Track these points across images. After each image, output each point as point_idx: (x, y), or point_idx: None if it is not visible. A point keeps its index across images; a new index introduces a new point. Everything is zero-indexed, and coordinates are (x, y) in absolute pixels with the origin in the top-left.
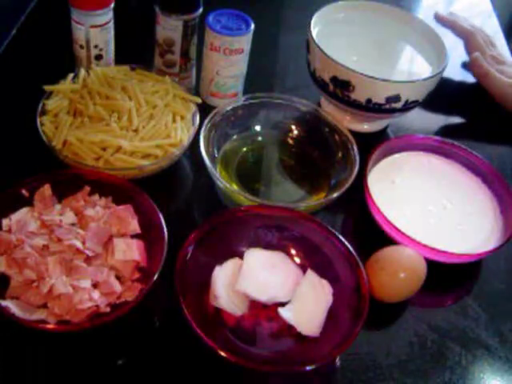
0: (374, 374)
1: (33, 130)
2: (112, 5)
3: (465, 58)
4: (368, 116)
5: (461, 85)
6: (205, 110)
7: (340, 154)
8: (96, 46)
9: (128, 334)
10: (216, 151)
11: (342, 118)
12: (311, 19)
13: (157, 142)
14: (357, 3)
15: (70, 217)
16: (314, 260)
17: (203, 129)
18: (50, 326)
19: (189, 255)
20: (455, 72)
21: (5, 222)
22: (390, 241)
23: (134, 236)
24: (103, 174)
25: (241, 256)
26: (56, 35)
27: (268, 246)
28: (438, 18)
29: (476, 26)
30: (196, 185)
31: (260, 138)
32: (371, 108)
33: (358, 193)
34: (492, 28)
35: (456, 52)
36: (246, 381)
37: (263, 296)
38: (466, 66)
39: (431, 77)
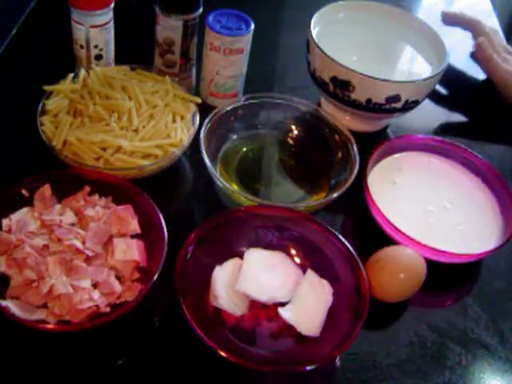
0: (373, 374)
1: (33, 130)
2: (112, 5)
3: (466, 57)
4: (368, 116)
5: (461, 85)
6: (205, 110)
7: (340, 154)
8: (96, 46)
9: (128, 334)
10: (216, 151)
11: (341, 118)
12: (311, 19)
13: (157, 142)
14: (357, 3)
15: (70, 217)
16: (314, 260)
17: (203, 129)
18: (49, 326)
19: (189, 255)
20: (455, 72)
21: (5, 222)
22: (390, 241)
23: (134, 236)
24: (103, 173)
25: (241, 256)
26: (56, 35)
27: (268, 246)
28: (444, 17)
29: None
30: (196, 185)
31: (260, 138)
32: (371, 108)
33: (358, 193)
34: None
35: (456, 52)
36: (246, 381)
37: (263, 296)
38: (467, 63)
39: (431, 77)
